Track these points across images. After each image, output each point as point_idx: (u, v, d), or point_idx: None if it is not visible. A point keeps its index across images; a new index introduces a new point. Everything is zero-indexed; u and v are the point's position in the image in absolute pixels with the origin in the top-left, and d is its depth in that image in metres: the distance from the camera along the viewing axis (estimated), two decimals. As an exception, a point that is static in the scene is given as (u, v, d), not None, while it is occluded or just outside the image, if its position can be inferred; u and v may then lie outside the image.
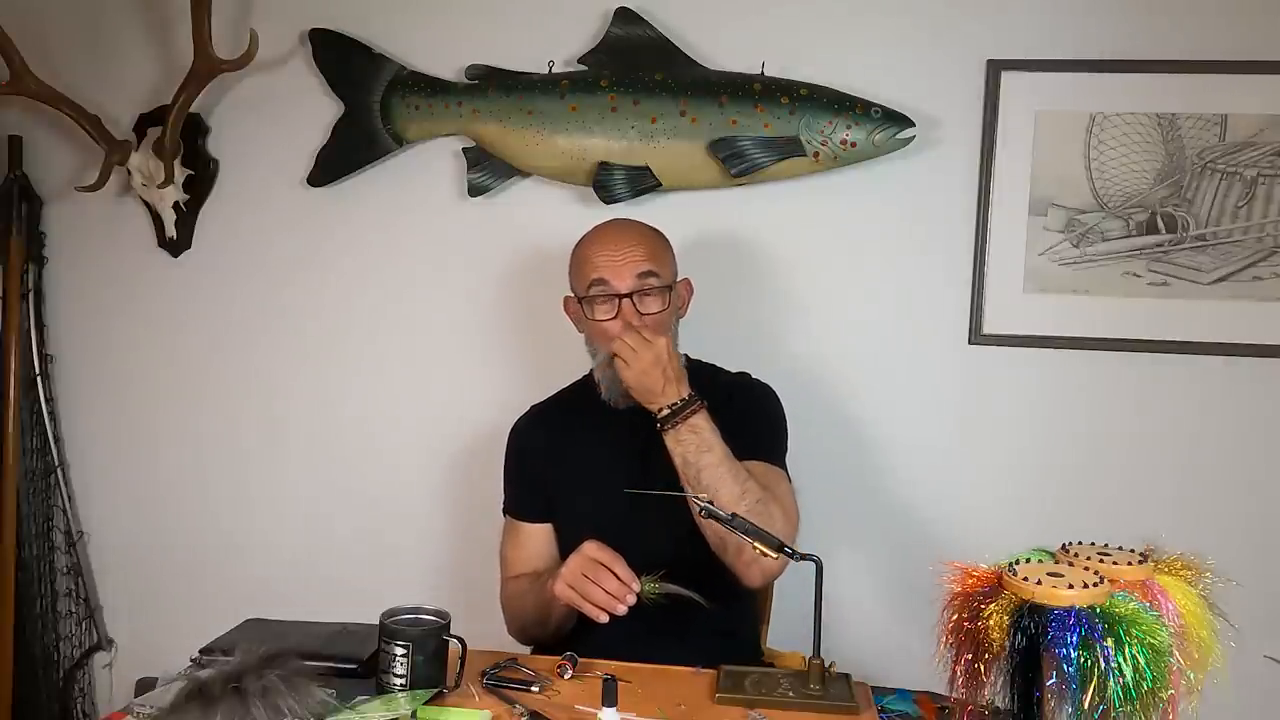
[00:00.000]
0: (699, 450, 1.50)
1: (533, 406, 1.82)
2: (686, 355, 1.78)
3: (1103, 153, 1.97)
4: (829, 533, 1.73)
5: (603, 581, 1.41)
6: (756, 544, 1.40)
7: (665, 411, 1.52)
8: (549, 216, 2.11)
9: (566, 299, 1.71)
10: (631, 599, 1.40)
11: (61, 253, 2.34)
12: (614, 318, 1.60)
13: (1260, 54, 1.92)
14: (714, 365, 1.79)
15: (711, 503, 1.43)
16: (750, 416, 1.68)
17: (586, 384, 1.72)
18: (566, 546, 1.71)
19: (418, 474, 2.23)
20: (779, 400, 1.74)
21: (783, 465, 1.68)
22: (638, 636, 1.44)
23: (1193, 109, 1.94)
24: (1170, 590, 1.09)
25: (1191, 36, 1.94)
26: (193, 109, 2.15)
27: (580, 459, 1.70)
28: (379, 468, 2.24)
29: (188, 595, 2.30)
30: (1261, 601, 1.58)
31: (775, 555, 1.39)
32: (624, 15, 2.04)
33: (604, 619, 1.41)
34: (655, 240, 1.68)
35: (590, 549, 1.45)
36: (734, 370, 1.79)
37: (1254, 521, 1.98)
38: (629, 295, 1.59)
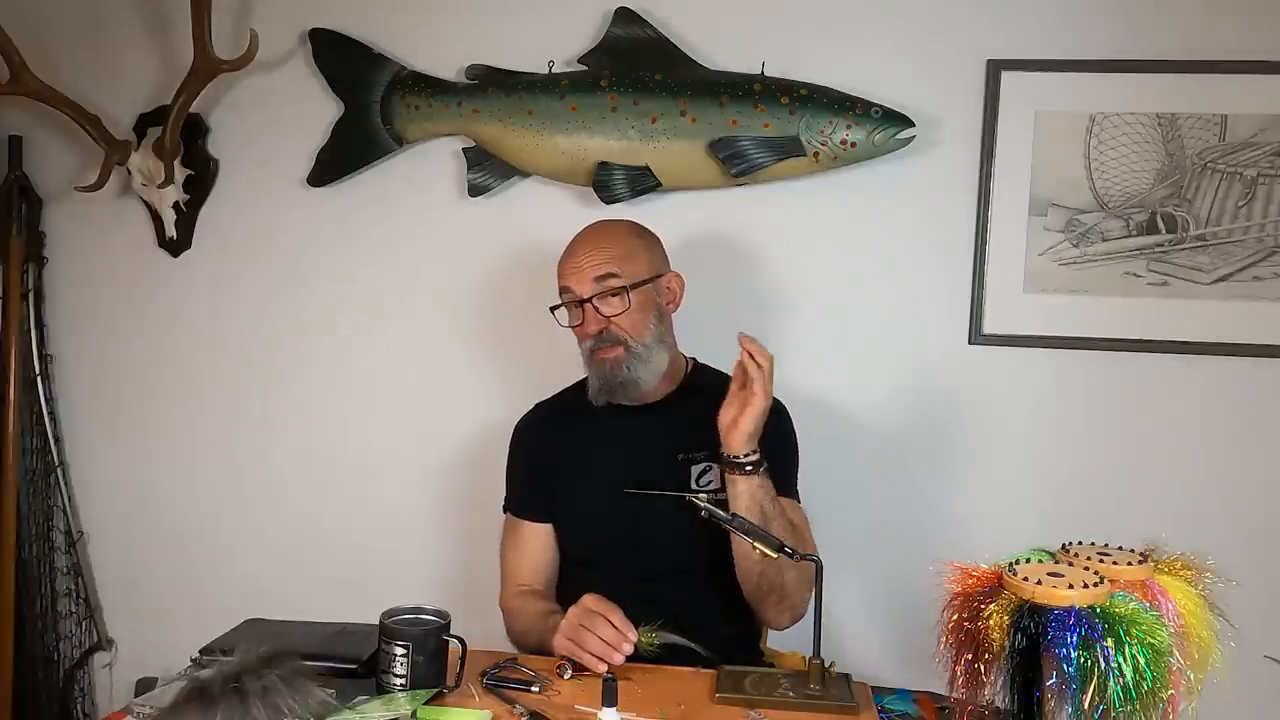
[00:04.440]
0: (771, 499, 1.52)
1: (538, 404, 1.82)
2: (694, 360, 1.78)
3: (1103, 153, 1.97)
4: (829, 533, 1.73)
5: (598, 630, 1.41)
6: (757, 544, 1.40)
7: (755, 455, 1.51)
8: (549, 216, 2.11)
9: None
10: (628, 647, 1.40)
11: (61, 253, 2.34)
12: (581, 323, 1.64)
13: (1260, 54, 1.92)
14: (721, 371, 1.79)
15: (712, 502, 1.43)
16: (767, 444, 1.68)
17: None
18: (568, 545, 1.72)
19: (418, 474, 2.23)
20: (790, 420, 1.74)
21: (796, 493, 1.69)
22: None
23: (1193, 109, 1.94)
24: (1170, 590, 1.09)
25: (1191, 36, 1.94)
26: (193, 109, 2.15)
27: (584, 458, 1.70)
28: (379, 467, 2.24)
29: (188, 595, 2.30)
30: (1261, 601, 1.59)
31: (775, 555, 1.39)
32: (624, 15, 2.04)
33: (601, 669, 1.39)
34: (622, 241, 1.68)
35: (588, 601, 1.45)
36: None
37: (1254, 521, 1.98)
38: (589, 300, 1.62)
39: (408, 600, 1.40)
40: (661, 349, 1.66)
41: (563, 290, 1.67)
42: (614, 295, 1.62)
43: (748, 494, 1.50)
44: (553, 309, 1.69)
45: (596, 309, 1.62)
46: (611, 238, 1.68)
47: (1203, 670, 1.06)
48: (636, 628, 1.41)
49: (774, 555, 1.39)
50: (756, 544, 1.40)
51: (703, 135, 2.00)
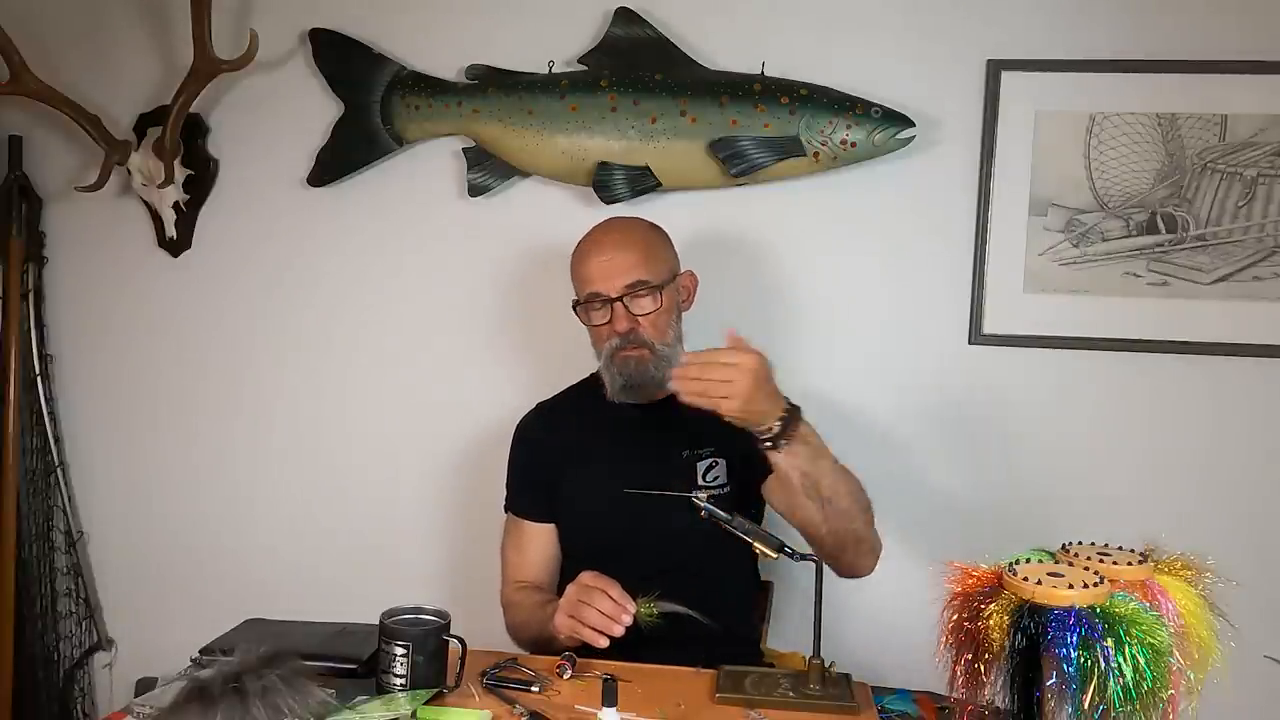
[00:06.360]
0: (814, 458, 1.45)
1: (539, 403, 1.82)
2: None
3: (1103, 153, 1.97)
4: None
5: (597, 603, 1.42)
6: (757, 544, 1.40)
7: (776, 429, 1.41)
8: (549, 216, 2.11)
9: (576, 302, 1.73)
10: (627, 619, 1.40)
11: (61, 253, 2.34)
12: (608, 321, 1.62)
13: (1260, 54, 1.92)
14: None
15: (710, 504, 1.43)
16: None
17: (593, 382, 1.72)
18: (569, 546, 1.72)
19: (418, 474, 2.23)
20: None
21: None
22: (638, 637, 1.44)
23: (1193, 109, 1.94)
24: (1170, 590, 1.09)
25: (1191, 36, 1.94)
26: (193, 109, 2.15)
27: (585, 458, 1.70)
28: (380, 468, 2.24)
29: (188, 595, 2.30)
30: (1261, 601, 1.58)
31: (775, 556, 1.39)
32: (624, 15, 2.04)
33: (603, 643, 1.40)
34: (646, 240, 1.68)
35: (586, 577, 1.46)
36: None
37: (1254, 522, 1.98)
38: (620, 299, 1.61)
39: (408, 600, 1.40)
40: (679, 348, 1.66)
41: (589, 295, 1.64)
42: (640, 297, 1.62)
43: (787, 468, 1.43)
44: (574, 305, 1.68)
45: (627, 308, 1.61)
46: (632, 238, 1.67)
47: (1203, 670, 1.06)
48: (634, 600, 1.42)
49: (774, 556, 1.39)
50: (756, 544, 1.40)
51: (703, 135, 2.00)
